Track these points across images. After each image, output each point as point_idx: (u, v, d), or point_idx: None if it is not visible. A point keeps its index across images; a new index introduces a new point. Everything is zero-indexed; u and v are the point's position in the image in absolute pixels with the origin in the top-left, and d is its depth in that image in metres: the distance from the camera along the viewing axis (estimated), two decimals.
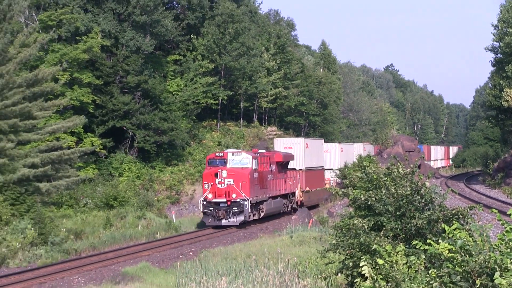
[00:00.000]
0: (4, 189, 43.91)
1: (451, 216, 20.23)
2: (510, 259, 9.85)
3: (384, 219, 22.30)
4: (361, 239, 21.14)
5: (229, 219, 49.43)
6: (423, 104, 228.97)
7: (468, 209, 20.65)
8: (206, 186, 50.00)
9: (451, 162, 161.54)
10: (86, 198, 58.10)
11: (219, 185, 49.80)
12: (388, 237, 20.85)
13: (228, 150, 55.69)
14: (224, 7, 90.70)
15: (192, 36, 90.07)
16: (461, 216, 19.91)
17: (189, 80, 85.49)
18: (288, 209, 61.98)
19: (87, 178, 60.93)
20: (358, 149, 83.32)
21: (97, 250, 43.20)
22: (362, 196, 23.69)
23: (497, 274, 9.57)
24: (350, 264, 21.57)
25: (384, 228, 21.97)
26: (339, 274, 23.40)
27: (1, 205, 42.59)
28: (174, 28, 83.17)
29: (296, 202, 63.60)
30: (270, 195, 55.66)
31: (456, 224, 12.89)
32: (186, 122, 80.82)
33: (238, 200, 49.13)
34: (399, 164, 24.80)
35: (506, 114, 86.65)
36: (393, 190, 22.76)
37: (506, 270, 9.57)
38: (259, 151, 58.65)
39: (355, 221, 22.59)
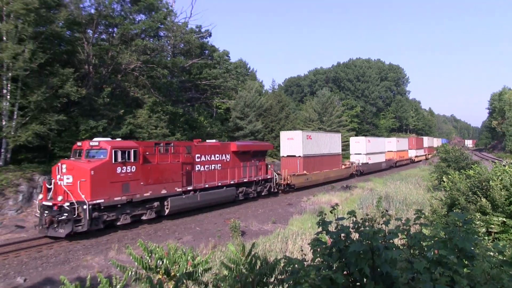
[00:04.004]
0: None
1: (474, 162, 19.18)
2: (496, 176, 9.41)
3: (451, 162, 21.77)
4: (443, 169, 20.90)
5: (55, 229, 11.16)
6: (464, 126, 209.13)
7: (480, 161, 19.89)
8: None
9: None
10: None
11: (59, 182, 11.69)
12: (452, 168, 20.04)
13: (96, 139, 12.89)
14: (397, 99, 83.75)
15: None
16: (477, 163, 18.71)
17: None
18: (263, 193, 21.60)
19: None
20: (393, 141, 46.98)
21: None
22: (443, 155, 23.23)
23: (491, 181, 9.18)
24: (439, 177, 20.82)
25: (451, 165, 21.42)
26: (435, 180, 22.65)
27: None
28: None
29: (282, 185, 23.58)
30: (196, 187, 16.18)
31: (476, 164, 12.70)
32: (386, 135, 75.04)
33: (66, 204, 11.14)
34: (456, 146, 24.29)
35: (493, 130, 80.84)
36: (454, 153, 22.29)
37: (494, 180, 9.13)
38: (239, 142, 20.06)
39: (441, 163, 22.43)
